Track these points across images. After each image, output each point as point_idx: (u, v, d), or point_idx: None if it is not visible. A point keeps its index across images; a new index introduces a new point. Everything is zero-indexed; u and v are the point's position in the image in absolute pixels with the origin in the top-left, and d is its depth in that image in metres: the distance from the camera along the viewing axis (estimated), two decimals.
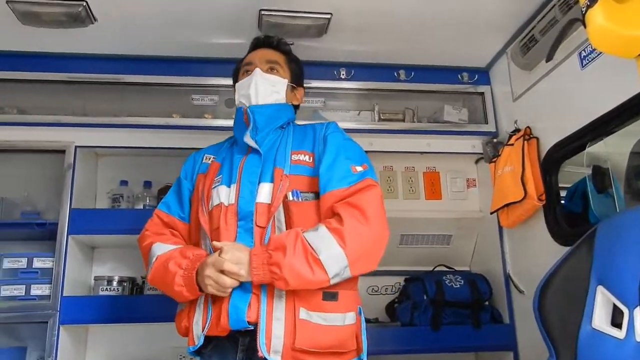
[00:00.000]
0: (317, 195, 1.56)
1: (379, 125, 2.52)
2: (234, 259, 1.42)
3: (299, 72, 1.86)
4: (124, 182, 2.51)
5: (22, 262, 2.21)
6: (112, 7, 2.07)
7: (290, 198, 1.55)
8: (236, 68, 1.87)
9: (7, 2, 1.97)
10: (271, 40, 1.85)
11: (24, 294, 2.16)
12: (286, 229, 1.52)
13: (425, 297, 2.35)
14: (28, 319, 2.13)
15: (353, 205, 1.47)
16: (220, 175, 1.65)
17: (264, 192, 1.56)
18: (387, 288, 2.68)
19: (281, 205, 1.54)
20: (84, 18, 2.07)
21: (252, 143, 1.63)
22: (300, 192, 1.56)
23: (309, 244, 1.41)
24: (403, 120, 2.57)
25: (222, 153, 1.76)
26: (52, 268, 2.18)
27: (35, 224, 2.24)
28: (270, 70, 1.75)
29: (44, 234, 2.27)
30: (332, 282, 1.42)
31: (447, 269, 2.59)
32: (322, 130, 1.69)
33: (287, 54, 1.85)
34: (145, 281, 2.36)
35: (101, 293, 2.31)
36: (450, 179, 2.70)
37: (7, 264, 2.21)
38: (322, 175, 1.55)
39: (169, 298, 1.59)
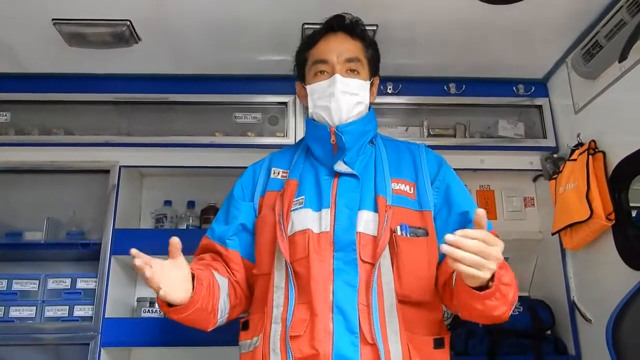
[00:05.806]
0: (426, 232, 1.40)
1: (428, 141, 2.35)
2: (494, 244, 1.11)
3: (376, 57, 1.58)
4: (167, 202, 2.50)
5: (66, 283, 2.21)
6: (155, 27, 2.06)
7: (399, 232, 1.37)
8: (301, 58, 1.58)
9: (54, 24, 1.99)
10: (346, 23, 1.53)
11: (67, 315, 2.16)
12: (392, 266, 1.34)
13: (480, 325, 2.18)
14: (70, 341, 2.10)
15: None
16: (302, 197, 1.43)
17: (366, 222, 1.37)
18: None
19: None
20: (128, 38, 2.07)
21: (347, 169, 1.44)
22: (410, 227, 1.38)
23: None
24: (454, 136, 2.44)
25: (298, 168, 1.51)
26: (95, 289, 2.16)
27: (80, 244, 2.24)
28: (351, 72, 1.49)
29: (89, 254, 2.26)
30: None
31: None
32: (420, 156, 1.53)
33: (364, 39, 1.55)
34: None
35: (143, 315, 2.28)
36: (506, 198, 2.55)
37: (52, 284, 2.21)
38: (463, 220, 1.40)
39: None
